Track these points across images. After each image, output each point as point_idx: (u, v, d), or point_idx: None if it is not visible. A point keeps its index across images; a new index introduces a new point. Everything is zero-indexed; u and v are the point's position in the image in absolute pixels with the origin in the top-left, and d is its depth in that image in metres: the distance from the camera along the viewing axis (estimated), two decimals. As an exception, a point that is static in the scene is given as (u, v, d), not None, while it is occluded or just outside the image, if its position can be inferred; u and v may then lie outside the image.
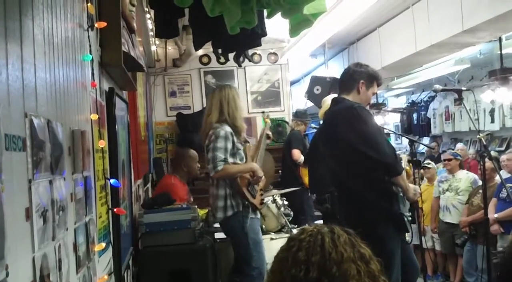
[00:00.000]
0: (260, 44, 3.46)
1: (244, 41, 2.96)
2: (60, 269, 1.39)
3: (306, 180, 5.56)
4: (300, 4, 1.55)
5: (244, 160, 3.56)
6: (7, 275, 1.00)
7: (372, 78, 3.23)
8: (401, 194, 3.11)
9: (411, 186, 3.19)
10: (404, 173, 3.13)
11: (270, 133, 4.08)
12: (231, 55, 4.32)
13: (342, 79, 3.32)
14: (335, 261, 1.16)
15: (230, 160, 3.42)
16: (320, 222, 5.23)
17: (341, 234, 1.22)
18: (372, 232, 2.89)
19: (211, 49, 4.42)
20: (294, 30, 1.80)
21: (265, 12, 1.87)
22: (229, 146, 3.42)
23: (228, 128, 3.45)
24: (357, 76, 3.20)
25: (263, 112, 4.76)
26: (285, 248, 1.24)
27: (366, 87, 3.20)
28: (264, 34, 3.12)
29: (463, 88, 3.55)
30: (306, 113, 6.28)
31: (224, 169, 3.35)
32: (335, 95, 5.23)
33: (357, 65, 3.31)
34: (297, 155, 5.69)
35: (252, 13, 1.61)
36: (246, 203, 3.48)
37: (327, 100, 5.13)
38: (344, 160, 3.10)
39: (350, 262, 1.16)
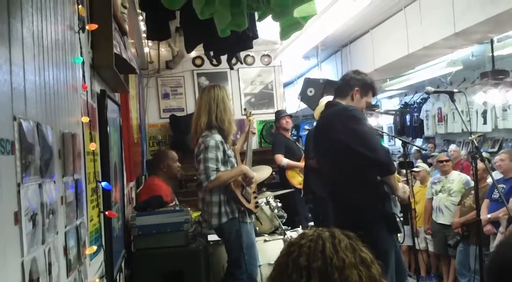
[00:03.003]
0: (251, 47, 3.44)
1: (235, 43, 2.96)
2: (50, 273, 1.38)
3: (293, 181, 5.58)
4: (290, 7, 1.54)
5: (236, 165, 3.54)
6: (-5, 279, 0.99)
7: (368, 88, 3.29)
8: (393, 195, 3.15)
9: (400, 185, 3.24)
10: (395, 173, 3.17)
11: (254, 128, 4.08)
12: (223, 58, 4.30)
13: (339, 84, 3.38)
14: (337, 267, 1.15)
15: (222, 168, 3.39)
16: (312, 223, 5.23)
17: (342, 239, 1.21)
18: (366, 233, 2.93)
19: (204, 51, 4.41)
20: (285, 33, 1.80)
21: (256, 15, 1.86)
22: (220, 155, 3.38)
23: (217, 137, 3.40)
24: (353, 83, 3.26)
25: (245, 109, 4.70)
26: (285, 253, 1.23)
27: (361, 95, 3.25)
28: (256, 37, 3.12)
29: (455, 90, 3.58)
30: (281, 110, 6.31)
31: (217, 178, 3.33)
32: (332, 97, 5.27)
33: (356, 72, 3.36)
34: (279, 160, 5.72)
35: (242, 16, 1.60)
36: (242, 208, 3.47)
37: (324, 101, 5.14)
38: (339, 161, 3.14)
39: (351, 267, 1.15)
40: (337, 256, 1.17)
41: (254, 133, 4.03)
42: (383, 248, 2.98)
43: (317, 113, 5.21)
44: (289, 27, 1.73)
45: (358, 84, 3.25)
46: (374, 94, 3.39)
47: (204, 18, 1.64)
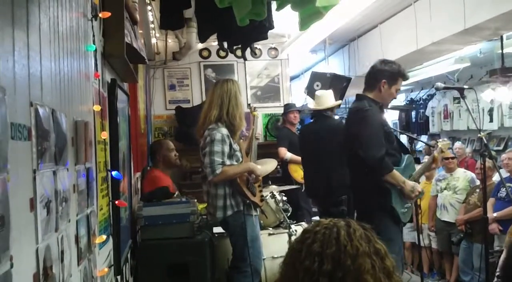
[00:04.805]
0: (266, 37, 3.39)
1: (251, 34, 2.93)
2: (62, 260, 1.38)
3: (295, 176, 5.57)
4: (313, -3, 1.53)
5: (241, 160, 3.52)
6: (11, 266, 0.98)
7: (396, 76, 3.35)
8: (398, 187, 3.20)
9: (410, 183, 3.22)
10: (394, 172, 3.19)
11: (258, 134, 4.08)
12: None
13: (367, 77, 3.46)
14: (350, 255, 1.15)
15: (228, 162, 3.36)
16: (317, 218, 5.22)
17: (357, 229, 1.21)
18: (370, 221, 3.01)
19: (212, 43, 4.38)
20: (304, 23, 1.77)
21: (274, 5, 1.84)
22: (226, 149, 3.36)
23: (224, 131, 3.38)
24: (379, 75, 3.33)
25: (249, 104, 4.68)
26: (300, 240, 1.23)
27: (389, 85, 3.33)
28: (272, 27, 3.09)
29: (465, 86, 3.55)
30: (291, 104, 6.27)
31: (223, 172, 3.30)
32: (330, 91, 5.22)
33: (382, 62, 3.42)
34: (282, 153, 5.70)
35: (262, 4, 1.58)
36: (248, 201, 3.45)
37: (322, 96, 5.10)
38: (348, 155, 3.35)
39: (365, 256, 1.15)
40: (351, 244, 1.17)
41: (258, 139, 4.02)
42: (386, 236, 3.04)
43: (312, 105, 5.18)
44: (309, 17, 1.70)
45: (385, 75, 3.31)
46: (404, 80, 3.46)
47: (223, 6, 1.61)
